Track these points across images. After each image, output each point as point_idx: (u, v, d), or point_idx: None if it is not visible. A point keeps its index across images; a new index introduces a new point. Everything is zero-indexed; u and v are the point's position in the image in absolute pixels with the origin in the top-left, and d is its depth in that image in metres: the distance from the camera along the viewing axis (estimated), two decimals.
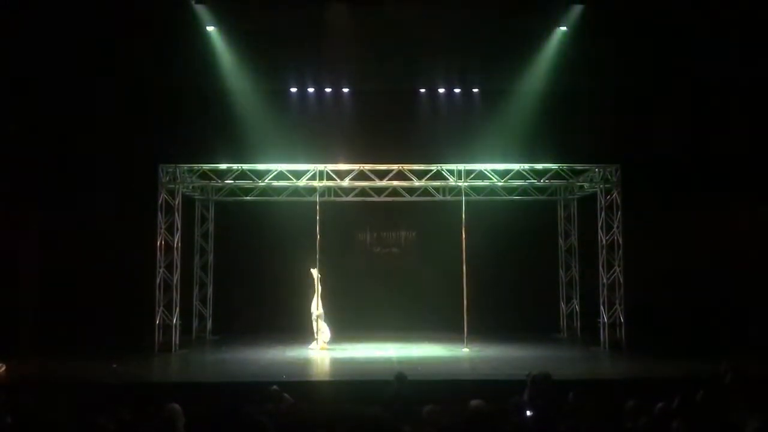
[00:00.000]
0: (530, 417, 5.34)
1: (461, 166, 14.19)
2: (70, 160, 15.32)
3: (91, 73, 14.91)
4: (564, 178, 14.67)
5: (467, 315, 13.62)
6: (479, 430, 3.93)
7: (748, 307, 14.65)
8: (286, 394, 7.42)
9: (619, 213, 14.03)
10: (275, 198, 15.73)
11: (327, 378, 11.23)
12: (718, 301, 14.85)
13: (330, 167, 14.25)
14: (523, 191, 15.84)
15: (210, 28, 15.33)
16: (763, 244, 15.10)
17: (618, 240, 14.06)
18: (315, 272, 13.79)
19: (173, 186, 13.97)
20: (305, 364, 12.26)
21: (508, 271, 16.44)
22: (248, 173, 14.29)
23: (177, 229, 13.95)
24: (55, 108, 14.88)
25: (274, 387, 7.60)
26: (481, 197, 15.57)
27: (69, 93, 14.99)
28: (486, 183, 14.66)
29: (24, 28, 13.44)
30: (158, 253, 13.77)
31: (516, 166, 14.29)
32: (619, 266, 14.00)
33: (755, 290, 14.88)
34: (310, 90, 17.16)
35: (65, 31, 13.92)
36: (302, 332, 14.30)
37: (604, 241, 14.18)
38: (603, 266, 14.19)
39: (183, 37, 14.80)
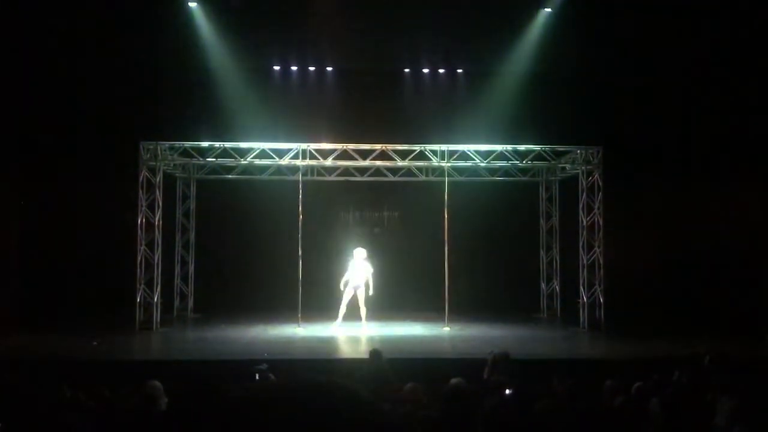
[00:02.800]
0: (509, 395, 5.40)
1: (444, 147, 14.19)
2: (50, 137, 15.13)
3: (71, 50, 14.69)
4: (546, 160, 14.74)
5: (448, 294, 13.70)
6: (459, 408, 3.97)
7: (728, 289, 14.82)
8: (271, 375, 7.43)
9: (600, 194, 14.12)
10: (257, 177, 15.66)
11: (307, 356, 11.26)
12: (698, 283, 15.02)
13: (313, 146, 14.19)
14: (506, 172, 15.89)
15: (192, 4, 15.16)
16: (745, 226, 15.27)
17: (599, 221, 14.16)
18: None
19: (154, 164, 13.85)
20: (287, 342, 12.29)
21: (490, 251, 16.53)
22: (230, 151, 14.20)
23: (158, 207, 13.86)
24: (33, 85, 14.67)
25: (263, 366, 7.61)
26: (463, 178, 15.61)
27: (48, 70, 14.78)
28: (469, 164, 14.69)
29: None
30: (139, 231, 13.67)
31: (499, 147, 14.32)
32: (599, 247, 14.11)
33: (735, 272, 15.06)
34: (294, 68, 17.05)
35: (44, 7, 13.70)
36: (283, 310, 14.32)
37: (584, 222, 14.29)
38: (583, 247, 14.30)
39: (164, 13, 14.61)
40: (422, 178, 15.54)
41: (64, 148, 15.24)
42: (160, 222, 13.94)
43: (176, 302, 15.83)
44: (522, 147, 14.38)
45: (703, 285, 14.95)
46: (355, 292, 13.40)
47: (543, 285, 16.75)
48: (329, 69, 17.06)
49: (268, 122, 15.52)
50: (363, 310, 13.43)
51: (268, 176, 15.58)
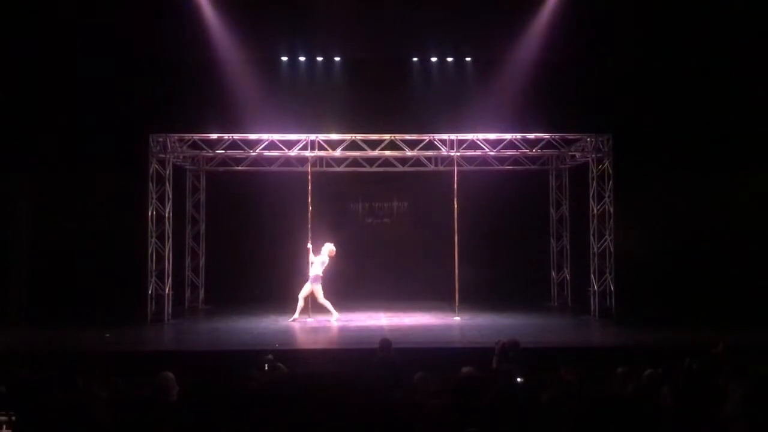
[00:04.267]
0: (519, 383, 5.40)
1: (453, 136, 14.15)
2: (61, 131, 15.18)
3: (81, 43, 14.70)
4: (556, 148, 14.67)
5: (458, 284, 13.70)
6: (469, 396, 3.98)
7: (738, 276, 14.73)
8: (280, 364, 7.46)
9: (611, 182, 14.06)
10: (267, 168, 15.67)
11: (319, 346, 11.31)
12: (708, 271, 14.94)
13: (322, 137, 14.19)
14: (515, 161, 15.84)
15: None
16: (756, 214, 15.16)
17: (609, 209, 14.11)
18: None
19: (164, 156, 13.89)
20: (297, 332, 12.33)
21: (500, 240, 16.49)
22: (239, 143, 14.22)
23: (168, 199, 13.91)
24: (45, 79, 14.70)
25: (269, 356, 7.65)
26: (473, 167, 15.57)
27: (58, 63, 14.80)
28: (478, 153, 14.66)
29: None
30: (150, 223, 13.74)
31: (508, 136, 14.27)
32: (609, 236, 14.06)
33: (746, 260, 14.97)
34: (302, 59, 17.02)
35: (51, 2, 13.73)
36: (293, 301, 14.33)
37: (595, 211, 14.24)
38: (594, 236, 14.25)
39: (172, 5, 14.60)
40: (431, 167, 15.51)
41: (74, 141, 15.27)
42: (171, 214, 13.99)
43: (187, 294, 15.91)
44: (531, 135, 14.32)
45: (713, 272, 14.86)
46: (315, 287, 13.24)
47: (554, 274, 16.72)
48: (337, 59, 17.02)
49: (277, 113, 15.49)
50: (328, 304, 13.30)
51: (278, 167, 15.59)
